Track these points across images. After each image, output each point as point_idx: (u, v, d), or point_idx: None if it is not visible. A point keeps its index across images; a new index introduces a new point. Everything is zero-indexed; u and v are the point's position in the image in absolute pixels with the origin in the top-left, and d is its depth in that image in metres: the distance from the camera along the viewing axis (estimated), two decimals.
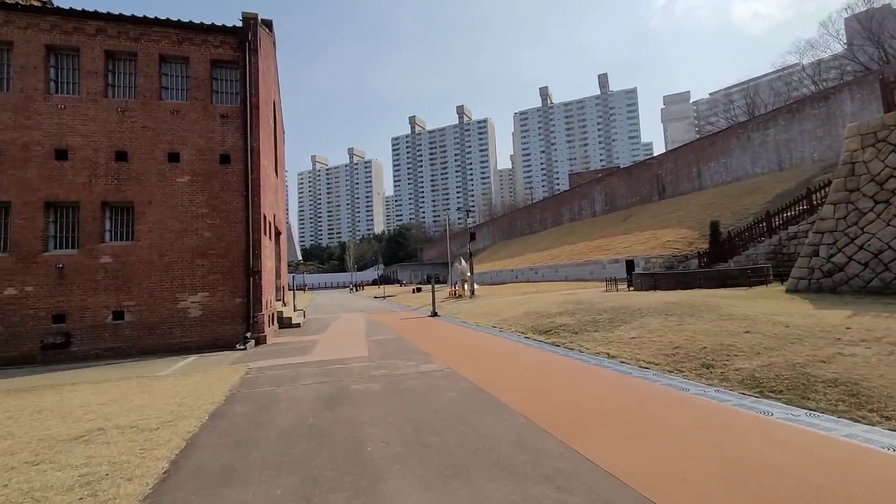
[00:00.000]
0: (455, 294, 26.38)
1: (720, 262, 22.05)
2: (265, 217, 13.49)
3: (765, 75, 77.60)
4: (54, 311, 11.05)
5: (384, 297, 37.76)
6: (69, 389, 7.39)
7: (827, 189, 18.22)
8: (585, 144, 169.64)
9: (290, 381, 7.21)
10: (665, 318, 9.42)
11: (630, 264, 22.28)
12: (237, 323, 12.11)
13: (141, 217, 11.74)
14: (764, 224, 20.58)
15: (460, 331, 12.96)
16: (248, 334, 11.98)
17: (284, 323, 16.29)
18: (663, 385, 5.81)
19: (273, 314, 14.92)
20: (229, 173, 12.36)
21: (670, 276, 16.95)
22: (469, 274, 26.57)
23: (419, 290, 43.06)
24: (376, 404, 5.51)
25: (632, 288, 19.45)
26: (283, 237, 20.08)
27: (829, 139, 28.18)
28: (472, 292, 25.26)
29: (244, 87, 12.51)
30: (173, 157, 12.04)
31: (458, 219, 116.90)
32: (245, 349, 11.44)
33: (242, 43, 12.54)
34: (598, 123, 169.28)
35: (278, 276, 18.37)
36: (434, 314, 18.25)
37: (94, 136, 11.54)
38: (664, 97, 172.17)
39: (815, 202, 18.71)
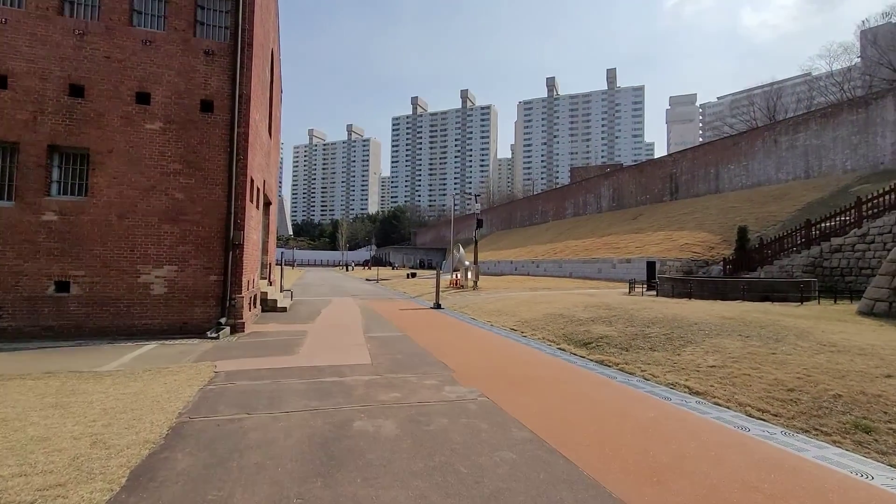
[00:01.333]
0: (457, 284, 24.46)
1: (747, 270, 20.37)
2: (253, 181, 11.34)
3: (788, 79, 75.59)
4: None
5: (377, 281, 35.71)
6: None
7: (881, 199, 16.53)
8: (588, 139, 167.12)
9: (267, 402, 5.22)
10: (743, 340, 7.57)
11: (651, 266, 20.48)
12: (210, 305, 10.05)
13: (98, 168, 9.52)
14: (802, 233, 18.87)
15: (475, 332, 11.03)
16: (223, 320, 9.93)
17: (269, 306, 14.23)
18: (815, 459, 3.93)
19: (255, 295, 12.86)
20: (211, 124, 10.16)
21: (706, 284, 15.15)
22: (468, 263, 24.63)
23: (413, 275, 41.07)
24: (396, 470, 3.55)
25: (654, 293, 17.69)
26: (273, 208, 17.88)
27: (865, 148, 26.40)
28: (476, 283, 23.36)
29: (236, 19, 10.24)
30: (142, 98, 9.79)
31: (454, 204, 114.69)
32: (217, 338, 9.41)
33: None
34: (603, 119, 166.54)
35: (265, 251, 16.25)
36: (437, 306, 16.33)
37: (43, 63, 9.24)
38: (670, 98, 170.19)
39: (864, 213, 16.99)
